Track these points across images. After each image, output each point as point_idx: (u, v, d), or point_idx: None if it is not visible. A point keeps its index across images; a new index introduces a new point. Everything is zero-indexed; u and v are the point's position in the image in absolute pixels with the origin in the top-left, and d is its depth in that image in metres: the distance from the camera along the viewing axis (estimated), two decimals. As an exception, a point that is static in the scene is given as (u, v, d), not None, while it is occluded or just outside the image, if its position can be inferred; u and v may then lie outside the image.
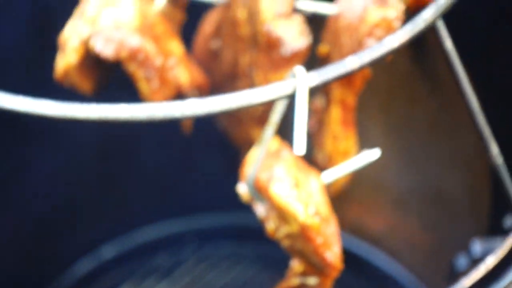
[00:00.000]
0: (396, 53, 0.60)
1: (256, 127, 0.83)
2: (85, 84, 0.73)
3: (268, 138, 0.57)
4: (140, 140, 1.11)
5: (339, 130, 0.75)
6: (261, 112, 0.78)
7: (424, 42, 1.02)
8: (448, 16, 0.62)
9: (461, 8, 0.63)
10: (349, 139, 0.73)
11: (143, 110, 0.51)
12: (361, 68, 0.56)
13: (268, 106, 0.77)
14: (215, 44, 0.80)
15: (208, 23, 0.79)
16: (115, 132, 1.04)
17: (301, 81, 0.49)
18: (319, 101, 0.78)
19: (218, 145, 1.12)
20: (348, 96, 0.74)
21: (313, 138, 0.78)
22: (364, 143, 0.77)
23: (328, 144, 0.75)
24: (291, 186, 0.59)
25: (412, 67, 1.05)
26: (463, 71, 0.66)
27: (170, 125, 0.69)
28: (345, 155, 0.75)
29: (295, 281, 0.69)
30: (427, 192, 1.05)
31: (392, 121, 0.99)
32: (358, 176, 0.78)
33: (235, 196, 0.70)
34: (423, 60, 1.03)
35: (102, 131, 1.01)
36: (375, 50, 0.56)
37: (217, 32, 0.79)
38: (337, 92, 0.73)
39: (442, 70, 0.99)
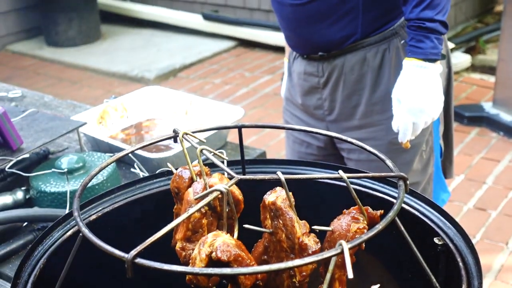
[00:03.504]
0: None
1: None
2: (205, 282, 1.06)
3: (327, 280, 0.85)
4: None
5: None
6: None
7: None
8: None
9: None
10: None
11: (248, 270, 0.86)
12: (360, 243, 0.91)
13: (302, 284, 1.10)
14: (264, 256, 1.10)
15: (259, 246, 1.11)
16: None
17: (345, 247, 0.84)
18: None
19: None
20: (342, 275, 1.05)
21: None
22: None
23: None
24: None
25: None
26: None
27: None
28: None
29: None
30: None
31: None
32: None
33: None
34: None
35: None
36: (363, 237, 0.92)
37: (265, 250, 1.09)
38: (337, 272, 1.05)
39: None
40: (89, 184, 1.59)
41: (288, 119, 2.34)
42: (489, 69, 5.07)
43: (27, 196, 1.66)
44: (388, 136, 2.07)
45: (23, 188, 1.66)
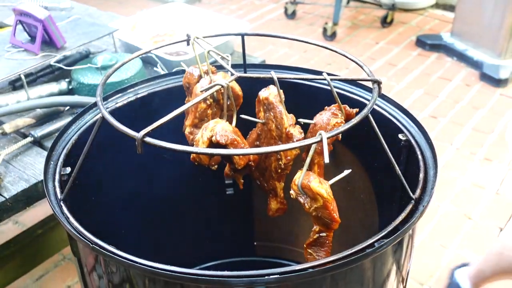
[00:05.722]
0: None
1: (277, 182, 1.01)
2: (206, 161, 0.97)
3: (307, 163, 0.76)
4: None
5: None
6: (282, 170, 0.97)
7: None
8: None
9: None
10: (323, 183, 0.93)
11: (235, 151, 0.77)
12: (337, 134, 0.81)
13: (287, 166, 1.01)
14: (256, 142, 1.02)
15: (253, 133, 1.03)
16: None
17: (324, 135, 0.75)
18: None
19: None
20: (320, 160, 0.99)
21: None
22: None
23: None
24: (319, 183, 0.79)
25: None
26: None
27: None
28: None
29: (315, 236, 0.85)
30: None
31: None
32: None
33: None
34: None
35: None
36: (340, 128, 0.82)
37: (258, 137, 1.02)
38: (316, 158, 0.99)
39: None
40: (120, 79, 1.49)
41: None
42: (450, 7, 4.79)
43: (70, 87, 1.55)
44: None
45: (67, 80, 1.55)
